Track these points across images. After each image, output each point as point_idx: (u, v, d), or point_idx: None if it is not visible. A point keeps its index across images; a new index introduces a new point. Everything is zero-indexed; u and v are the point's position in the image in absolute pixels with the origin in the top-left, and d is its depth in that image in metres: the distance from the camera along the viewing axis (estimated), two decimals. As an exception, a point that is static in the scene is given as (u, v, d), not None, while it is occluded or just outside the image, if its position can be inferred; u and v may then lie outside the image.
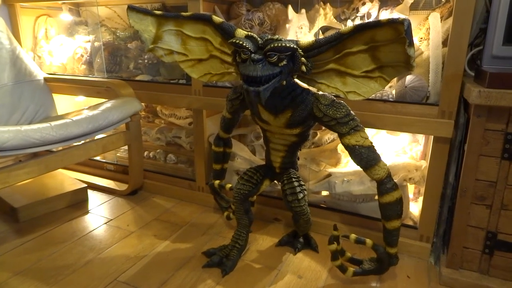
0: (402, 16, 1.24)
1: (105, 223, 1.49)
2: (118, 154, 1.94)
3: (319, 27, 1.43)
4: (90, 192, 1.74)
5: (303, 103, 1.02)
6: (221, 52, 1.08)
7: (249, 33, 0.95)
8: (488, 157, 1.04)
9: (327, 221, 1.41)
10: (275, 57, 0.88)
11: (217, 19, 1.02)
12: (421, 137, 1.50)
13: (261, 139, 1.58)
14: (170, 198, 1.70)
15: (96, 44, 1.89)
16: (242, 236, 1.23)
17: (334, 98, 1.02)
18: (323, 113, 1.01)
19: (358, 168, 1.04)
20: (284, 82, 0.94)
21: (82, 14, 2.07)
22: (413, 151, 1.48)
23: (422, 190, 1.33)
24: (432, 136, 1.18)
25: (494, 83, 0.96)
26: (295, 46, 0.90)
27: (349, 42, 0.90)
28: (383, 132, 1.51)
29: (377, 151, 1.02)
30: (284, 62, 0.90)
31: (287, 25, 1.41)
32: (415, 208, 1.45)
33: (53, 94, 1.81)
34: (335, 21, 1.42)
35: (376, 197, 1.19)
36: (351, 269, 1.11)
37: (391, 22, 0.81)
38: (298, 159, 1.27)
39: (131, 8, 1.06)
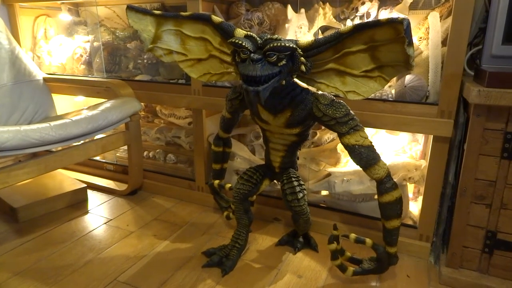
0: (401, 16, 1.24)
1: (105, 223, 1.49)
2: (117, 154, 1.94)
3: (319, 27, 1.43)
4: (89, 192, 1.74)
5: (302, 103, 1.02)
6: (221, 52, 1.07)
7: (249, 32, 0.95)
8: (488, 157, 1.04)
9: (326, 220, 1.41)
10: (274, 56, 0.88)
11: (217, 18, 1.02)
12: (420, 137, 1.50)
13: (260, 138, 1.58)
14: (170, 198, 1.70)
15: (96, 44, 1.89)
16: (242, 236, 1.23)
17: (334, 97, 1.02)
18: (322, 112, 1.01)
19: (358, 167, 1.04)
20: (284, 82, 0.94)
21: (81, 14, 2.07)
22: (412, 151, 1.48)
23: (422, 189, 1.33)
24: (432, 136, 1.19)
25: (494, 82, 0.96)
26: (294, 46, 0.90)
27: (348, 41, 0.90)
28: (382, 131, 1.51)
29: (377, 151, 1.02)
30: (284, 62, 0.90)
31: (286, 25, 1.41)
32: (414, 207, 1.45)
33: (52, 94, 1.81)
34: (335, 20, 1.42)
35: (376, 196, 1.19)
36: (351, 268, 1.11)
37: (391, 22, 0.81)
38: (298, 158, 1.27)
39: (130, 8, 1.06)
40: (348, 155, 1.04)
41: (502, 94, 0.94)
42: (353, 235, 1.06)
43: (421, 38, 1.30)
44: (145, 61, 1.75)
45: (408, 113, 1.18)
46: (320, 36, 1.44)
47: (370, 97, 1.00)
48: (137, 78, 1.76)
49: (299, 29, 1.41)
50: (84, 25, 2.02)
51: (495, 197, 1.06)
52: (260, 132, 1.54)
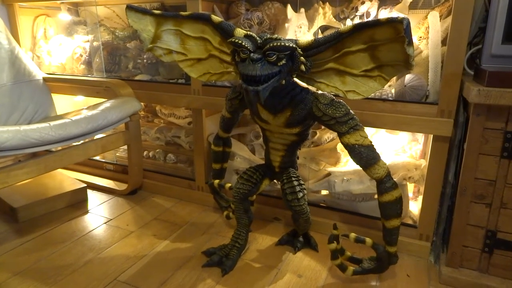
0: (401, 15, 1.24)
1: (105, 223, 1.49)
2: (117, 154, 1.94)
3: (318, 26, 1.43)
4: (89, 192, 1.74)
5: (302, 102, 1.02)
6: (220, 52, 1.07)
7: (248, 32, 0.94)
8: (488, 156, 1.04)
9: (326, 220, 1.41)
10: (274, 56, 0.88)
11: (216, 18, 1.02)
12: (420, 136, 1.50)
13: (260, 138, 1.58)
14: (170, 198, 1.70)
15: (95, 43, 1.89)
16: (242, 236, 1.23)
17: (334, 97, 1.02)
18: (322, 112, 1.01)
19: (358, 167, 1.04)
20: (283, 82, 0.94)
21: (81, 14, 2.07)
22: (412, 150, 1.48)
23: (422, 189, 1.33)
24: (432, 135, 1.19)
25: (493, 82, 0.96)
26: (294, 46, 0.90)
27: (348, 41, 0.90)
28: (382, 131, 1.51)
29: (377, 150, 1.02)
30: (283, 62, 0.90)
31: (286, 25, 1.41)
32: (414, 207, 1.45)
33: (52, 94, 1.80)
34: (334, 20, 1.42)
35: (376, 196, 1.19)
36: (351, 268, 1.11)
37: (390, 21, 0.81)
38: (298, 158, 1.27)
39: (130, 8, 1.06)
40: (348, 155, 1.04)
41: (502, 93, 0.94)
42: (353, 235, 1.06)
43: (421, 37, 1.30)
44: (145, 60, 1.75)
45: (408, 112, 1.18)
46: (320, 35, 1.43)
47: (370, 96, 1.00)
48: (137, 78, 1.76)
49: (299, 29, 1.41)
50: (83, 25, 2.02)
51: (495, 196, 1.06)
52: (260, 131, 1.54)
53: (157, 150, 1.83)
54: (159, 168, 1.80)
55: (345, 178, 1.39)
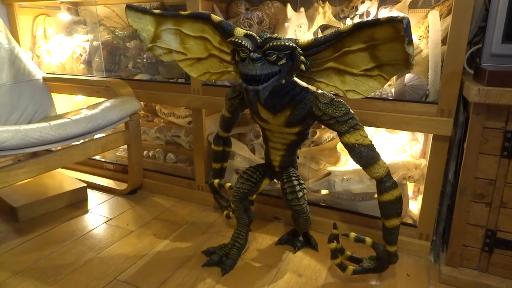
0: (401, 14, 1.24)
1: (105, 223, 1.49)
2: (117, 154, 1.94)
3: (318, 26, 1.43)
4: (89, 192, 1.74)
5: (302, 102, 1.02)
6: (220, 51, 1.07)
7: (248, 32, 0.94)
8: (487, 155, 1.04)
9: (326, 219, 1.41)
10: (274, 56, 0.88)
11: (216, 18, 1.02)
12: (420, 136, 1.50)
13: (260, 138, 1.58)
14: (170, 197, 1.70)
15: (95, 43, 1.89)
16: (242, 235, 1.23)
17: (334, 96, 1.02)
18: (322, 111, 1.01)
19: (358, 166, 1.04)
20: (283, 81, 0.94)
21: (80, 13, 2.07)
22: (412, 150, 1.48)
23: (422, 188, 1.33)
24: (432, 135, 1.19)
25: (493, 81, 0.96)
26: (294, 45, 0.90)
27: (348, 40, 0.90)
28: (382, 130, 1.51)
29: (377, 150, 1.02)
30: (283, 61, 0.90)
31: (286, 24, 1.41)
32: (414, 206, 1.45)
33: (52, 94, 1.80)
34: (334, 19, 1.42)
35: (376, 195, 1.19)
36: (351, 267, 1.11)
37: (390, 21, 0.81)
38: (298, 157, 1.27)
39: (129, 7, 1.06)
40: (348, 154, 1.04)
41: (502, 92, 0.94)
42: (353, 234, 1.06)
43: (421, 36, 1.30)
44: (145, 60, 1.74)
45: (408, 112, 1.18)
46: (320, 35, 1.43)
47: (369, 96, 1.00)
48: (137, 77, 1.76)
49: (299, 28, 1.41)
50: (83, 25, 2.02)
51: (495, 196, 1.06)
52: (260, 131, 1.54)
53: (157, 150, 1.83)
54: (159, 167, 1.80)
55: (345, 177, 1.39)
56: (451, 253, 1.15)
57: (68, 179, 1.75)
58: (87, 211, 1.58)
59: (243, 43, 0.89)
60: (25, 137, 1.19)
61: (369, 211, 1.37)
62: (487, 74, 0.97)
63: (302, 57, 0.93)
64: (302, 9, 1.43)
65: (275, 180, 1.28)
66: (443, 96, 1.12)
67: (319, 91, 1.03)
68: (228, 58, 1.07)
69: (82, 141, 1.42)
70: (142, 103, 1.63)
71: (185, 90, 1.53)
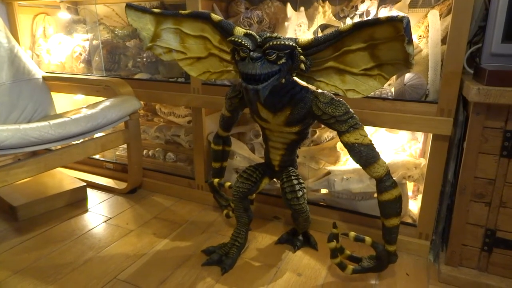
0: (401, 14, 1.24)
1: (104, 222, 1.49)
2: (117, 153, 1.94)
3: (318, 25, 1.43)
4: (89, 191, 1.74)
5: (302, 101, 1.02)
6: (220, 50, 1.07)
7: (248, 31, 0.94)
8: (487, 155, 1.04)
9: (326, 219, 1.41)
10: (274, 55, 0.88)
11: (216, 17, 1.02)
12: (420, 135, 1.50)
13: (260, 137, 1.58)
14: (169, 197, 1.70)
15: (95, 42, 1.88)
16: (242, 234, 1.23)
17: (333, 96, 1.02)
18: (322, 111, 1.01)
19: (357, 166, 1.04)
20: (283, 80, 0.94)
21: (80, 13, 2.07)
22: (412, 149, 1.49)
23: (421, 188, 1.33)
24: (431, 134, 1.19)
25: (493, 80, 0.96)
26: (294, 44, 0.90)
27: (348, 40, 0.90)
28: (382, 130, 1.51)
29: (376, 149, 1.02)
30: (283, 60, 0.90)
31: (286, 23, 1.41)
32: (414, 206, 1.45)
33: (51, 93, 1.80)
34: (334, 19, 1.42)
35: (375, 195, 1.19)
36: (350, 266, 1.11)
37: (390, 20, 0.81)
38: (297, 157, 1.27)
39: (129, 6, 1.05)
40: (348, 154, 1.04)
41: (502, 92, 0.94)
42: (352, 233, 1.06)
43: (420, 36, 1.30)
44: (145, 59, 1.74)
45: (407, 111, 1.18)
46: (320, 34, 1.43)
47: (369, 95, 1.00)
48: (137, 76, 1.76)
49: (299, 27, 1.41)
50: (83, 24, 2.02)
51: (495, 195, 1.06)
52: (259, 130, 1.54)
53: (157, 149, 1.83)
54: (159, 167, 1.80)
55: (344, 177, 1.39)
56: (450, 252, 1.15)
57: (67, 178, 1.75)
58: (86, 210, 1.58)
59: (243, 42, 0.89)
60: (24, 136, 1.18)
61: (368, 211, 1.37)
62: (487, 73, 0.97)
63: (302, 56, 0.93)
64: (302, 9, 1.43)
65: (274, 179, 1.28)
66: (443, 95, 1.12)
67: (319, 90, 1.03)
68: (228, 57, 1.07)
69: (81, 140, 1.42)
70: (141, 102, 1.63)
71: (185, 89, 1.53)
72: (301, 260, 1.25)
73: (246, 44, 0.89)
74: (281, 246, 1.33)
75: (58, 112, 1.80)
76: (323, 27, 1.47)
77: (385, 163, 1.02)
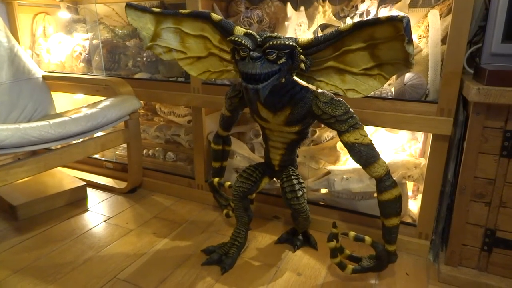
0: (401, 14, 1.24)
1: (104, 221, 1.49)
2: (117, 152, 1.94)
3: (318, 25, 1.43)
4: (89, 190, 1.74)
5: (302, 101, 1.02)
6: (220, 50, 1.07)
7: (248, 30, 0.94)
8: (487, 155, 1.04)
9: (326, 218, 1.41)
10: (274, 54, 0.88)
11: (216, 16, 1.02)
12: (420, 135, 1.50)
13: (260, 137, 1.58)
14: (169, 196, 1.70)
15: (95, 42, 1.88)
16: (241, 234, 1.23)
17: (333, 95, 1.02)
18: (322, 110, 1.01)
19: (357, 165, 1.04)
20: (283, 80, 0.94)
21: (80, 12, 2.07)
22: (412, 149, 1.49)
23: (421, 187, 1.33)
24: (431, 134, 1.19)
25: (493, 80, 0.96)
26: (294, 44, 0.90)
27: (348, 39, 0.90)
28: (382, 129, 1.51)
29: (376, 149, 1.02)
30: (283, 60, 0.90)
31: (286, 23, 1.41)
32: (414, 205, 1.45)
33: (51, 92, 1.80)
34: (334, 18, 1.42)
35: (375, 194, 1.19)
36: (350, 266, 1.11)
37: (390, 20, 0.81)
38: (297, 156, 1.27)
39: (129, 6, 1.05)
40: (348, 153, 1.04)
41: (502, 92, 0.94)
42: (352, 233, 1.06)
43: (420, 36, 1.30)
44: (145, 59, 1.74)
45: (407, 111, 1.18)
46: (320, 34, 1.43)
47: (369, 95, 1.00)
48: (137, 76, 1.76)
49: (299, 27, 1.41)
50: (83, 23, 2.02)
51: (494, 195, 1.06)
52: (259, 130, 1.54)
53: (157, 149, 1.83)
54: (159, 166, 1.80)
55: (344, 176, 1.39)
56: (450, 252, 1.15)
57: (67, 177, 1.75)
58: (86, 210, 1.58)
59: (243, 42, 0.89)
60: (24, 135, 1.18)
61: (368, 210, 1.37)
62: (487, 73, 0.97)
63: (302, 56, 0.93)
64: (302, 8, 1.43)
65: (274, 179, 1.28)
66: (443, 95, 1.12)
67: (319, 90, 1.03)
68: (228, 57, 1.07)
69: (81, 139, 1.42)
70: (141, 101, 1.63)
71: (185, 89, 1.53)
72: (301, 260, 1.25)
73: (246, 43, 0.89)
74: (281, 245, 1.33)
75: (58, 111, 1.80)
76: (323, 26, 1.47)
77: (385, 163, 1.02)
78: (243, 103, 1.18)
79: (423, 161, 1.37)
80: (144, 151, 1.84)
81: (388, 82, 1.25)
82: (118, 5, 1.91)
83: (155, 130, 1.82)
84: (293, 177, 1.17)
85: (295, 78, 1.01)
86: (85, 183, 1.70)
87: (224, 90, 1.41)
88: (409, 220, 1.36)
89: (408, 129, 1.28)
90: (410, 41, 0.80)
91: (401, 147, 1.51)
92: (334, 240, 1.07)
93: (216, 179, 1.37)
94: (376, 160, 1.01)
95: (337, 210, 1.41)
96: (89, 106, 1.50)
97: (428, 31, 1.23)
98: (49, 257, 1.26)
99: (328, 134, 1.55)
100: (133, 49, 1.81)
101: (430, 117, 1.15)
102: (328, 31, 1.34)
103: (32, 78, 1.73)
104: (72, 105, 2.06)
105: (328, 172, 1.44)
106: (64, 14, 2.03)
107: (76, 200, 1.65)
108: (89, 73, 1.90)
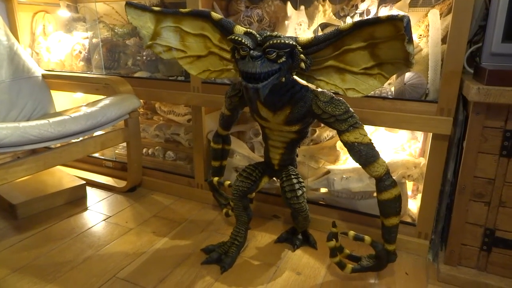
0: (401, 13, 1.24)
1: (104, 220, 1.49)
2: (116, 151, 1.94)
3: (318, 24, 1.43)
4: (88, 189, 1.74)
5: (302, 100, 1.02)
6: (220, 49, 1.07)
7: (248, 29, 0.94)
8: (487, 154, 1.04)
9: (325, 218, 1.41)
10: (274, 53, 0.88)
11: (216, 15, 1.02)
12: (419, 134, 1.50)
13: (260, 136, 1.58)
14: (169, 195, 1.70)
15: (94, 40, 1.88)
16: (241, 233, 1.23)
17: (333, 95, 1.02)
18: (322, 110, 1.01)
19: (357, 165, 1.04)
20: (283, 79, 0.94)
21: (80, 11, 2.06)
22: (411, 148, 1.49)
23: (421, 187, 1.33)
24: (431, 133, 1.19)
25: (493, 80, 0.96)
26: (294, 43, 0.90)
27: (348, 39, 0.90)
28: (382, 129, 1.51)
29: (376, 148, 1.02)
30: (283, 59, 0.90)
31: (286, 22, 1.41)
32: (413, 205, 1.46)
33: (51, 91, 1.80)
34: (334, 18, 1.42)
35: (375, 194, 1.19)
36: (350, 265, 1.11)
37: (391, 19, 0.81)
38: (297, 156, 1.27)
39: (129, 4, 1.05)
40: (348, 153, 1.04)
41: (502, 92, 0.94)
42: (352, 233, 1.06)
43: (421, 35, 1.30)
44: (144, 58, 1.74)
45: (407, 110, 1.18)
46: (320, 33, 1.43)
47: (369, 94, 1.00)
48: (136, 75, 1.75)
49: (299, 26, 1.41)
50: (83, 22, 2.01)
51: (494, 195, 1.06)
52: (259, 129, 1.54)
53: (157, 148, 1.83)
54: (159, 165, 1.80)
55: (344, 176, 1.39)
56: (449, 252, 1.15)
57: (67, 176, 1.75)
58: (86, 209, 1.58)
59: (243, 41, 0.88)
60: (24, 134, 1.18)
61: (368, 210, 1.37)
62: (487, 73, 0.97)
63: (302, 55, 0.93)
64: (302, 7, 1.43)
65: (274, 178, 1.28)
66: (443, 95, 1.12)
67: (319, 89, 1.02)
68: (228, 56, 1.07)
69: (81, 138, 1.42)
70: (141, 100, 1.62)
71: (184, 88, 1.53)
72: (300, 259, 1.25)
73: (246, 42, 0.88)
74: (280, 245, 1.33)
75: (57, 110, 1.80)
76: (323, 26, 1.47)
77: (384, 162, 1.02)
78: (243, 102, 1.18)
79: (423, 161, 1.37)
80: (144, 150, 1.84)
81: (388, 81, 1.25)
82: (118, 3, 1.91)
83: (154, 129, 1.82)
84: (292, 176, 1.17)
85: (295, 77, 1.01)
86: (84, 182, 1.69)
87: (224, 89, 1.41)
88: (409, 220, 1.36)
89: (408, 128, 1.28)
90: (410, 40, 0.80)
91: (400, 147, 1.51)
92: (334, 239, 1.07)
93: (215, 178, 1.37)
94: (375, 159, 1.01)
95: (336, 210, 1.41)
96: (88, 105, 1.50)
97: (428, 31, 1.23)
98: (48, 256, 1.26)
99: (327, 133, 1.54)
100: (133, 48, 1.81)
101: (430, 116, 1.15)
102: (328, 30, 1.34)
103: (32, 77, 1.73)
104: (71, 104, 2.06)
105: (328, 172, 1.44)
106: (64, 13, 2.03)
107: (75, 199, 1.65)
108: (88, 72, 1.89)
